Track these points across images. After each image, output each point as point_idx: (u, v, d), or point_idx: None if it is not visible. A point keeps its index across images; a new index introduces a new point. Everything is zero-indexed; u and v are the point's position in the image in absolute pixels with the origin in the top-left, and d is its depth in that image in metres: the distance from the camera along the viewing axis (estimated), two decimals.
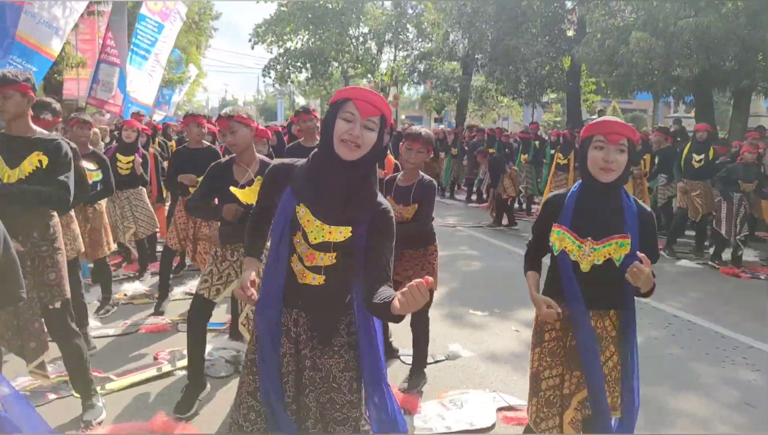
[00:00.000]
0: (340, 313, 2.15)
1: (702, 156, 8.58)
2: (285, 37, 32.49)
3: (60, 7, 7.69)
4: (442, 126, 29.70)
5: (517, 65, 17.97)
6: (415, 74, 25.99)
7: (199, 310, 3.77)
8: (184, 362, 4.41)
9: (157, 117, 21.55)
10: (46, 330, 3.39)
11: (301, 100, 54.87)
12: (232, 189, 3.63)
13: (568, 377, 2.45)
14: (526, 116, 25.97)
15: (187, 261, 6.89)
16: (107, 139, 9.60)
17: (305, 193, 2.02)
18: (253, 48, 39.25)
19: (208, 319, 3.83)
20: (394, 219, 2.08)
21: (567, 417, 2.43)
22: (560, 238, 2.43)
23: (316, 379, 2.12)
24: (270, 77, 34.92)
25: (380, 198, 2.07)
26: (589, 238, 2.39)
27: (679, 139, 12.13)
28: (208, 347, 4.72)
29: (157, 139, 9.61)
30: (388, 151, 5.02)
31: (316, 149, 2.06)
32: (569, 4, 18.86)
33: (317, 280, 2.08)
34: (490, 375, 4.42)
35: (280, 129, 8.84)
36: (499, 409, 3.85)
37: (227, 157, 3.81)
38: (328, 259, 2.04)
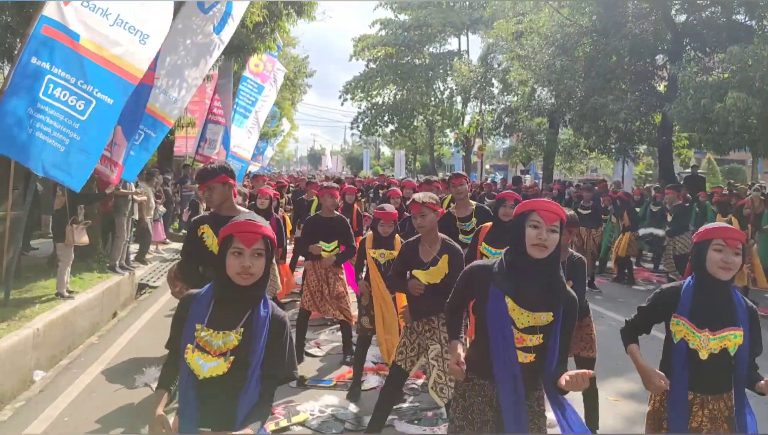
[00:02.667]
0: (539, 384, 2.61)
1: None
2: (373, 93, 33.74)
3: (181, 82, 8.57)
4: (528, 176, 29.66)
5: (606, 121, 17.93)
6: (501, 127, 26.23)
7: (395, 378, 4.22)
8: (299, 418, 4.78)
9: (253, 168, 22.77)
10: None
11: (386, 150, 56.13)
12: (415, 272, 4.07)
13: None
14: (616, 169, 25.58)
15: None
16: None
17: (509, 288, 2.48)
18: (342, 105, 40.75)
19: (402, 386, 4.30)
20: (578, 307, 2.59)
21: None
22: (680, 328, 2.69)
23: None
24: (358, 129, 36.18)
25: (568, 288, 2.55)
26: (707, 329, 2.65)
27: None
28: (317, 404, 5.09)
29: (285, 196, 10.08)
30: None
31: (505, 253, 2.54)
32: (660, 60, 18.71)
33: (528, 358, 2.51)
34: None
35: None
36: None
37: (414, 237, 4.19)
38: (536, 340, 2.49)
